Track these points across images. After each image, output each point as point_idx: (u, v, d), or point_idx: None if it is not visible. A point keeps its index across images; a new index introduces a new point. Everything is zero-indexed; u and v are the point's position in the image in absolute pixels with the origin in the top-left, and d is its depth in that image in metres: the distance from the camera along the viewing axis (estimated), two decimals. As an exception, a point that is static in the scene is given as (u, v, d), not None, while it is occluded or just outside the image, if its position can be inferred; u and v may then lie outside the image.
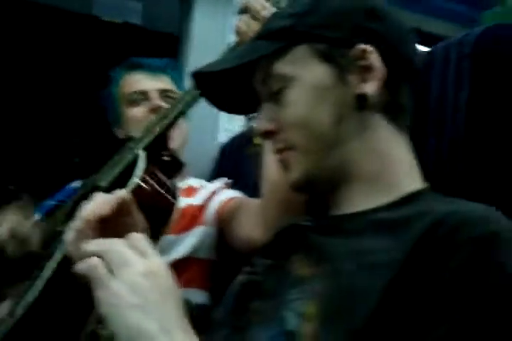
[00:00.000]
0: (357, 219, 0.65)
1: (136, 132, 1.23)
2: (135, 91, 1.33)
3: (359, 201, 0.67)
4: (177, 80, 1.42)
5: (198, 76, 0.75)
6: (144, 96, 1.32)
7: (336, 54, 0.67)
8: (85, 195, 1.09)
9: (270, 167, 0.94)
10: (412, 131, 0.72)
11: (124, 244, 0.57)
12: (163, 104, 1.29)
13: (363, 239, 0.61)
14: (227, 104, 0.81)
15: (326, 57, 0.67)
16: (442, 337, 0.49)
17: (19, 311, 0.86)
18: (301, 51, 0.68)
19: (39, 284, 0.88)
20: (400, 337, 0.51)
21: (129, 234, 0.59)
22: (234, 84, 0.75)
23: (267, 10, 0.98)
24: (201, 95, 0.84)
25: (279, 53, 0.68)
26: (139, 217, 0.71)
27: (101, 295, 0.53)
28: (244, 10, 1.02)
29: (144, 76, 1.35)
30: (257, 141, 1.01)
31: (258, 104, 0.74)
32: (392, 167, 0.67)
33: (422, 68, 0.84)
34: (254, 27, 0.97)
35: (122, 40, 2.47)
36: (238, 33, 1.02)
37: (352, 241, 0.62)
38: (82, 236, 0.65)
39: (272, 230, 0.88)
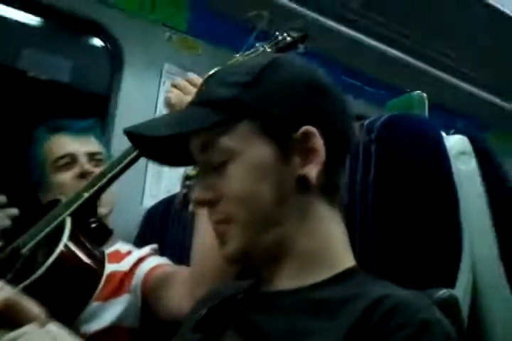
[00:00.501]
0: (292, 297, 0.65)
1: (63, 196, 1.21)
2: (62, 156, 1.29)
3: (293, 278, 0.67)
4: (103, 140, 1.41)
5: (131, 134, 0.72)
6: (71, 159, 1.29)
7: (280, 134, 0.66)
8: (4, 262, 1.07)
9: (201, 238, 0.95)
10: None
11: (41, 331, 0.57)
12: (93, 169, 1.27)
13: (298, 318, 0.61)
14: (162, 158, 0.79)
15: (270, 136, 0.66)
16: None
17: None
18: (245, 126, 0.67)
19: None
20: None
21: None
22: (168, 143, 0.73)
23: (196, 84, 1.00)
24: (136, 149, 0.84)
25: (223, 125, 0.67)
26: (31, 308, 0.65)
27: None
28: (173, 85, 1.04)
29: (70, 139, 1.32)
30: (192, 208, 1.02)
31: (192, 159, 0.73)
32: (328, 246, 0.68)
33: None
34: (185, 99, 0.98)
35: (48, 97, 2.43)
36: (168, 104, 1.04)
37: (287, 319, 0.62)
38: None
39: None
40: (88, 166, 1.27)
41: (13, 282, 0.90)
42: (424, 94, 1.12)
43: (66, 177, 1.28)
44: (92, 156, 1.32)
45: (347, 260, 0.69)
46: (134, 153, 1.00)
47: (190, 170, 1.04)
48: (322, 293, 0.64)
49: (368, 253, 0.84)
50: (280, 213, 0.67)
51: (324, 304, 0.62)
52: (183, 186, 1.03)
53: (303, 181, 0.66)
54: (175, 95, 1.02)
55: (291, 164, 0.67)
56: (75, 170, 1.28)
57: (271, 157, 0.67)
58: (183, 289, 0.98)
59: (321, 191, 0.68)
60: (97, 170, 1.24)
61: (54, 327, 0.59)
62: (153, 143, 0.74)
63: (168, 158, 0.79)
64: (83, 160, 1.29)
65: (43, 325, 0.60)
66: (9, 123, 2.31)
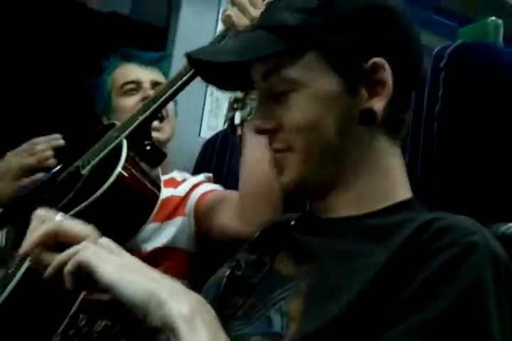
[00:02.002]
0: (345, 224, 0.65)
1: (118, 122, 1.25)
2: (128, 81, 1.34)
3: (348, 208, 0.67)
4: (167, 75, 1.44)
5: (192, 58, 0.70)
6: (137, 86, 1.34)
7: (349, 66, 0.64)
8: (66, 181, 1.10)
9: (249, 158, 0.96)
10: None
11: (94, 246, 0.60)
12: None
13: (348, 242, 0.62)
14: (221, 82, 0.77)
15: (338, 68, 0.64)
16: (406, 332, 0.51)
17: None
18: (312, 56, 0.65)
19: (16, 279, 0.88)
20: (372, 334, 0.53)
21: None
22: (230, 68, 0.71)
23: (256, 5, 0.96)
24: (191, 72, 0.84)
25: (289, 53, 0.65)
26: (86, 233, 0.68)
27: (103, 268, 0.56)
28: (233, 2, 0.99)
29: (137, 67, 1.38)
30: (239, 131, 1.02)
31: (250, 82, 0.71)
32: (386, 179, 0.67)
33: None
34: (243, 21, 0.95)
35: (109, 29, 2.44)
36: (225, 22, 0.99)
37: (337, 243, 0.63)
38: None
39: (248, 223, 0.91)
40: (151, 92, 1.31)
41: (73, 202, 0.95)
42: (500, 21, 1.04)
43: (130, 101, 1.32)
44: (156, 85, 1.35)
45: (404, 192, 0.68)
46: (187, 76, 0.99)
47: (238, 92, 1.02)
48: (376, 220, 0.63)
49: (431, 188, 0.82)
50: (342, 145, 0.65)
51: (378, 229, 0.61)
52: (230, 109, 1.01)
53: (368, 114, 0.65)
54: (234, 14, 0.98)
55: (357, 96, 0.65)
56: (139, 95, 1.32)
57: (336, 89, 0.65)
58: (232, 211, 0.99)
59: (384, 125, 0.66)
60: None
61: (105, 241, 0.62)
62: (214, 68, 0.73)
63: (226, 82, 0.77)
64: (147, 86, 1.33)
65: (95, 241, 0.62)
66: (70, 56, 2.35)
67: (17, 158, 1.19)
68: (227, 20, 0.97)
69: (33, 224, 0.69)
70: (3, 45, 2.19)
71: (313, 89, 0.65)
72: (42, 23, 2.34)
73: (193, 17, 1.82)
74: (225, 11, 0.99)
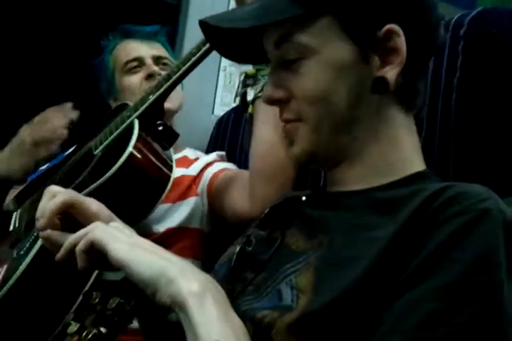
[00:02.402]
0: (355, 197, 0.65)
1: (130, 99, 1.24)
2: (131, 59, 1.32)
3: (359, 180, 0.66)
4: (168, 48, 1.42)
5: (206, 26, 0.69)
6: (139, 63, 1.32)
7: (363, 32, 0.63)
8: (79, 162, 1.11)
9: (259, 136, 0.95)
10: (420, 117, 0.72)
11: (106, 226, 0.61)
12: (160, 71, 1.29)
13: (359, 215, 0.62)
14: (234, 54, 0.76)
15: (352, 34, 0.63)
16: (414, 300, 0.51)
17: (5, 286, 0.87)
18: (325, 22, 0.64)
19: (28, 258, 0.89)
20: (384, 299, 0.52)
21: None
22: (243, 36, 0.70)
23: None
24: (208, 44, 0.82)
25: (302, 20, 0.64)
26: (98, 208, 0.71)
27: (115, 246, 0.57)
28: None
29: (137, 43, 1.35)
30: (250, 109, 1.01)
31: (264, 55, 0.70)
32: (397, 151, 0.66)
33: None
34: None
35: (120, 6, 2.42)
36: None
37: (347, 216, 0.63)
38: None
39: (260, 202, 0.90)
40: (155, 68, 1.29)
41: (87, 182, 0.94)
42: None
43: (134, 79, 1.30)
44: (158, 60, 1.33)
45: (417, 164, 0.67)
46: (199, 53, 0.97)
47: (250, 68, 1.00)
48: (387, 193, 0.63)
49: (448, 160, 0.80)
50: (353, 115, 0.65)
51: (388, 202, 0.61)
52: (242, 85, 0.99)
53: (381, 82, 0.64)
54: None
55: (369, 64, 0.64)
56: (143, 72, 1.30)
57: (349, 56, 0.64)
58: (243, 191, 0.99)
59: (397, 95, 0.66)
60: (163, 73, 1.27)
61: (116, 224, 0.64)
62: (227, 37, 0.71)
63: (238, 53, 0.76)
64: (150, 62, 1.31)
65: (107, 221, 0.63)
66: (82, 33, 2.33)
67: (29, 130, 1.19)
68: None
69: (44, 199, 0.70)
70: (4, 24, 2.17)
71: (325, 55, 0.64)
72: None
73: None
74: None
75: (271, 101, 0.69)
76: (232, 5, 1.78)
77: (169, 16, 1.92)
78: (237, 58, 0.78)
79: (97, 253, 0.59)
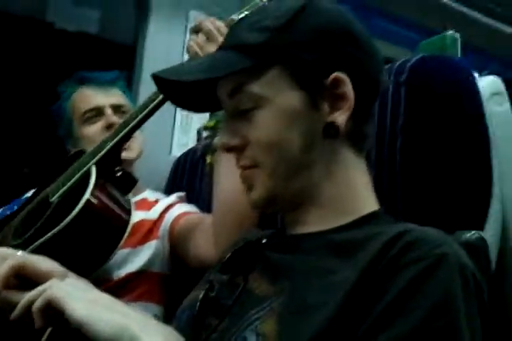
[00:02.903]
0: (313, 239, 0.66)
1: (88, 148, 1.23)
2: (89, 109, 1.30)
3: (317, 222, 0.68)
4: (127, 93, 1.41)
5: (159, 79, 0.71)
6: (98, 112, 1.30)
7: (311, 81, 0.66)
8: (35, 210, 1.10)
9: (222, 185, 0.95)
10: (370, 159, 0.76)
11: (63, 283, 0.60)
12: (118, 121, 1.26)
13: (320, 259, 0.62)
14: (188, 103, 0.78)
15: (301, 83, 0.66)
16: None
17: None
18: (276, 72, 0.66)
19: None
20: None
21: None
22: (196, 88, 0.73)
23: (221, 31, 0.98)
24: (162, 94, 0.83)
25: (253, 70, 0.66)
26: (50, 266, 0.70)
27: (73, 305, 0.55)
28: (198, 30, 1.01)
29: (95, 91, 1.33)
30: (210, 159, 1.03)
31: (219, 103, 0.72)
32: (351, 192, 0.68)
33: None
34: (208, 48, 0.97)
35: (77, 49, 2.41)
36: (189, 52, 1.01)
37: (307, 259, 0.63)
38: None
39: (222, 249, 0.88)
40: (114, 118, 1.29)
41: (43, 230, 0.93)
42: (458, 35, 1.07)
43: (93, 129, 1.29)
44: (117, 108, 1.32)
45: (371, 205, 0.70)
46: (156, 101, 0.99)
47: (208, 121, 1.03)
48: (344, 235, 0.64)
49: (396, 199, 0.83)
50: (307, 159, 0.67)
51: (346, 244, 0.62)
52: (201, 137, 1.02)
53: (331, 127, 0.67)
54: (195, 42, 1.00)
55: (319, 111, 0.67)
56: (102, 122, 1.29)
57: (300, 104, 0.66)
58: (206, 238, 0.99)
59: (348, 138, 0.68)
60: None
61: (72, 280, 0.62)
62: (181, 89, 0.74)
63: (194, 103, 0.78)
64: (109, 112, 1.30)
65: (62, 278, 0.62)
66: (37, 77, 2.31)
67: None
68: (192, 49, 0.99)
69: None
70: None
71: (277, 104, 0.66)
72: (8, 42, 2.30)
73: (160, 34, 1.81)
74: (189, 41, 1.00)
75: (227, 149, 0.71)
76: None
77: (124, 59, 1.94)
78: (191, 108, 0.80)
79: (54, 311, 0.57)
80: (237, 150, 0.70)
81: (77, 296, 0.57)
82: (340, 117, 0.66)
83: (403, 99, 0.85)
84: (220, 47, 0.73)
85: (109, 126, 1.27)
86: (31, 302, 0.59)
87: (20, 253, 0.69)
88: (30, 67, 2.35)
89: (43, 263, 0.68)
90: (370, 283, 0.55)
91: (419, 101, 0.84)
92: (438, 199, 0.80)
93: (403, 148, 0.83)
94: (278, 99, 0.66)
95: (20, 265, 0.66)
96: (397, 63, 0.90)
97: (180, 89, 0.74)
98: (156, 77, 0.71)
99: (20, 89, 2.34)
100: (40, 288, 0.59)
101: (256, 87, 0.67)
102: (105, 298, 0.59)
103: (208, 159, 1.02)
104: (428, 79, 0.85)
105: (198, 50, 0.98)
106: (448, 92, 0.83)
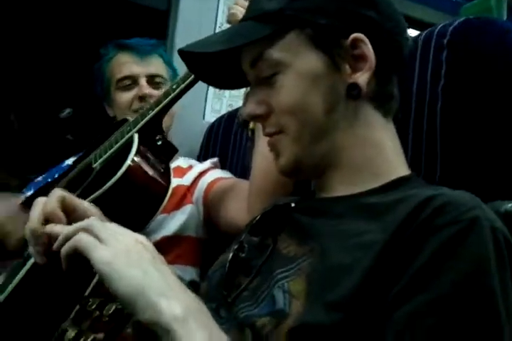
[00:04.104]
0: (342, 203, 0.66)
1: (121, 115, 1.28)
2: (124, 77, 1.33)
3: (346, 186, 0.68)
4: (165, 58, 1.42)
5: (185, 54, 0.73)
6: (132, 81, 1.33)
7: (329, 42, 0.67)
8: (78, 175, 1.12)
9: (261, 152, 0.95)
10: (396, 122, 0.75)
11: (100, 223, 0.61)
12: (152, 92, 1.31)
13: (347, 221, 0.63)
14: (216, 80, 0.80)
15: (319, 45, 0.67)
16: (414, 312, 0.52)
17: (3, 293, 0.87)
18: (293, 37, 0.67)
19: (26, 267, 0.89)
20: (380, 310, 0.54)
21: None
22: (221, 62, 0.74)
23: None
24: (189, 71, 0.84)
25: (271, 38, 0.67)
26: (90, 209, 0.74)
27: (97, 256, 0.54)
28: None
29: (132, 59, 1.35)
30: (252, 125, 1.02)
31: (246, 79, 0.74)
32: (379, 154, 0.68)
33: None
34: None
35: (111, 13, 2.42)
36: (232, 21, 1.01)
37: (336, 222, 0.64)
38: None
39: (256, 214, 0.91)
40: (148, 89, 1.31)
41: (85, 195, 0.95)
42: (503, -4, 1.03)
43: (126, 97, 1.32)
44: (152, 79, 1.34)
45: (401, 169, 0.70)
46: None
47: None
48: (374, 198, 0.64)
49: (435, 164, 0.82)
50: (331, 122, 0.67)
51: (375, 207, 0.62)
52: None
53: (353, 88, 0.67)
54: (239, 12, 1.00)
55: (340, 72, 0.67)
56: (134, 92, 1.32)
57: (320, 66, 0.67)
58: (241, 202, 1.00)
59: (373, 99, 0.69)
60: (156, 93, 1.30)
61: (114, 224, 0.63)
62: (208, 64, 0.75)
63: (222, 79, 0.79)
64: (143, 82, 1.32)
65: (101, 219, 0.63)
66: (73, 39, 2.34)
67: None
68: (232, 19, 0.99)
69: (33, 208, 0.72)
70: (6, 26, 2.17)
71: (297, 68, 0.67)
72: (43, 7, 2.32)
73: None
74: (229, 9, 1.01)
75: (252, 118, 0.72)
76: (221, 10, 1.81)
77: (158, 24, 1.93)
78: (220, 84, 0.82)
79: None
80: (262, 118, 0.71)
81: (107, 243, 0.56)
82: (362, 77, 0.66)
83: (444, 61, 0.83)
84: (242, 19, 0.74)
85: (141, 97, 1.30)
86: (68, 238, 0.60)
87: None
88: (70, 30, 2.38)
89: (89, 206, 0.73)
90: (401, 245, 0.55)
91: (462, 63, 0.81)
92: (478, 165, 0.79)
93: (444, 111, 0.82)
94: (298, 63, 0.67)
95: (66, 196, 0.71)
96: (439, 26, 0.87)
97: (208, 64, 0.75)
98: (183, 53, 0.72)
99: (61, 53, 2.37)
100: (77, 225, 0.61)
101: (275, 53, 0.68)
102: (135, 251, 0.57)
103: (251, 125, 1.02)
104: (472, 41, 0.82)
105: (238, 18, 0.97)
106: (492, 55, 0.80)
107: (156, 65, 1.37)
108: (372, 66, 0.66)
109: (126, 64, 1.35)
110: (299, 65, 0.67)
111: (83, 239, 0.57)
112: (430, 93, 0.83)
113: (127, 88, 1.33)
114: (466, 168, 0.79)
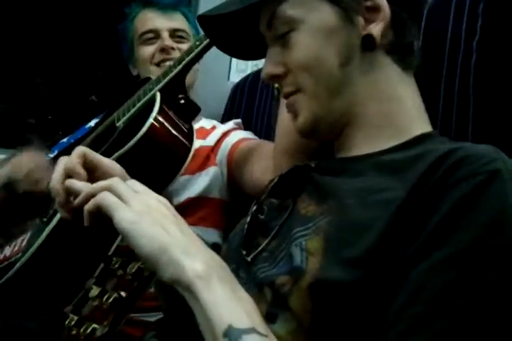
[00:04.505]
0: (362, 161, 0.65)
1: (144, 71, 1.28)
2: (146, 31, 1.33)
3: (366, 144, 0.67)
4: (190, 17, 1.41)
5: (205, 20, 0.74)
6: (155, 35, 1.32)
7: None
8: (102, 134, 1.12)
9: (285, 115, 0.92)
10: (427, 79, 0.73)
11: (122, 182, 0.60)
12: (174, 44, 1.30)
13: (367, 179, 0.62)
14: (236, 49, 0.80)
15: None
16: (431, 269, 0.51)
17: (29, 251, 0.89)
18: None
19: (52, 224, 0.91)
20: (398, 265, 0.53)
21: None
22: (241, 28, 0.74)
23: None
24: (209, 40, 0.84)
25: None
26: (113, 166, 0.74)
27: (120, 215, 0.54)
28: None
29: (156, 14, 1.35)
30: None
31: (266, 48, 0.73)
32: (399, 110, 0.67)
33: (438, 11, 0.83)
34: None
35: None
36: None
37: (356, 180, 0.63)
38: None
39: None
40: (169, 42, 1.30)
41: (108, 153, 0.95)
42: None
43: (149, 50, 1.31)
44: (174, 32, 1.33)
45: (422, 125, 0.68)
46: None
47: None
48: (394, 155, 0.63)
49: (467, 124, 0.79)
50: (348, 76, 0.66)
51: (395, 164, 0.61)
52: None
53: (369, 40, 0.66)
54: None
55: (355, 24, 0.66)
56: (157, 44, 1.31)
57: (333, 19, 0.66)
58: (266, 162, 0.99)
59: (390, 52, 0.67)
60: (179, 46, 1.30)
61: (133, 181, 0.62)
62: (227, 31, 0.75)
63: (242, 49, 0.79)
64: (165, 35, 1.31)
65: (123, 178, 0.63)
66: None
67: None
68: None
69: (57, 166, 0.72)
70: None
71: (310, 23, 0.66)
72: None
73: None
74: None
75: (270, 78, 0.71)
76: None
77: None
78: (239, 54, 0.81)
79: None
80: (280, 78, 0.70)
81: (129, 203, 0.56)
82: (376, 28, 0.65)
83: (481, 14, 0.78)
84: None
85: (162, 50, 1.29)
86: (90, 195, 0.59)
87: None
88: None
89: (112, 164, 0.73)
90: (421, 200, 0.54)
91: (499, 17, 0.77)
92: (509, 126, 0.75)
93: (478, 67, 0.78)
94: (310, 18, 0.66)
95: (87, 153, 0.71)
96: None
97: (226, 33, 0.75)
98: (202, 21, 0.73)
99: (87, 15, 2.36)
100: (100, 184, 0.60)
101: (288, 9, 0.67)
102: (158, 210, 0.56)
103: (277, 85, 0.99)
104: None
105: None
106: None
107: (179, 20, 1.37)
108: (387, 16, 0.65)
109: (149, 19, 1.35)
110: (312, 21, 0.66)
111: (106, 198, 0.57)
112: (464, 48, 0.80)
113: (150, 42, 1.32)
114: (499, 127, 0.76)
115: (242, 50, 0.80)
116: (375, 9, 0.65)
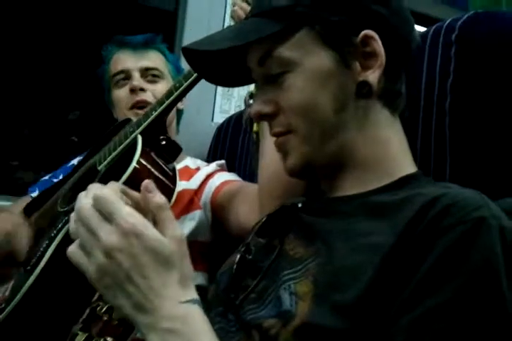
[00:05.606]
0: (349, 202, 0.66)
1: (120, 114, 1.26)
2: (118, 72, 1.31)
3: (354, 185, 0.67)
4: (166, 53, 1.39)
5: (189, 52, 0.72)
6: (125, 75, 1.30)
7: (340, 40, 0.65)
8: (83, 177, 1.11)
9: (268, 154, 0.94)
10: (405, 120, 0.74)
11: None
12: (144, 84, 1.28)
13: (355, 221, 0.62)
14: (218, 77, 0.79)
15: (329, 43, 0.65)
16: (423, 314, 0.51)
17: (14, 300, 0.87)
18: (303, 34, 0.66)
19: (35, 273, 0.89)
20: (388, 314, 0.53)
21: None
22: (226, 59, 0.73)
23: None
24: (193, 69, 0.82)
25: (281, 35, 0.66)
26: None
27: (85, 271, 0.54)
28: None
29: (127, 54, 1.33)
30: (256, 127, 1.01)
31: (250, 77, 0.72)
32: (387, 153, 0.68)
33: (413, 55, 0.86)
34: None
35: (119, 15, 2.42)
36: (236, 17, 1.00)
37: (343, 222, 0.63)
38: None
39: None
40: (139, 82, 1.28)
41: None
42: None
43: (120, 93, 1.30)
44: (146, 71, 1.31)
45: (408, 166, 0.69)
46: None
47: (254, 88, 1.02)
48: (381, 197, 0.63)
49: (444, 162, 0.81)
50: (341, 121, 0.66)
51: (383, 206, 0.61)
52: (247, 105, 1.00)
53: (363, 86, 0.66)
54: (244, 6, 0.99)
55: (351, 70, 0.66)
56: (128, 85, 1.29)
57: (330, 64, 0.66)
58: (250, 205, 0.98)
59: (381, 97, 0.68)
60: (151, 86, 1.28)
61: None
62: (211, 62, 0.74)
63: (225, 77, 0.78)
64: (136, 75, 1.29)
65: None
66: (80, 41, 2.34)
67: None
68: (237, 14, 0.98)
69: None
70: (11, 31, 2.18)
71: (307, 66, 0.66)
72: (49, 10, 2.32)
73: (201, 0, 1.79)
74: (233, 5, 0.99)
75: (260, 117, 0.70)
76: (229, 9, 1.80)
77: (166, 25, 1.93)
78: (223, 82, 0.80)
79: None
80: (270, 117, 0.69)
81: (92, 253, 0.53)
82: (373, 75, 0.66)
83: (453, 57, 0.81)
84: (251, 15, 0.72)
85: (132, 90, 1.26)
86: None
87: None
88: (77, 32, 2.38)
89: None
90: (409, 247, 0.55)
91: (471, 59, 0.80)
92: (488, 163, 0.77)
93: (452, 108, 0.80)
94: (307, 61, 0.66)
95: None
96: (447, 21, 0.86)
97: (211, 62, 0.74)
98: (186, 51, 0.71)
99: (67, 55, 2.38)
100: (73, 214, 0.58)
101: (284, 51, 0.66)
102: (122, 260, 0.53)
103: (255, 127, 1.00)
104: (481, 36, 0.80)
105: (243, 15, 0.96)
106: (502, 49, 0.78)
107: (151, 59, 1.34)
108: (383, 63, 0.66)
109: (121, 59, 1.33)
110: (308, 64, 0.66)
111: (72, 255, 0.55)
112: (439, 90, 0.82)
113: (122, 83, 1.30)
114: (476, 165, 0.78)
115: (226, 78, 0.79)
116: (372, 55, 0.66)
